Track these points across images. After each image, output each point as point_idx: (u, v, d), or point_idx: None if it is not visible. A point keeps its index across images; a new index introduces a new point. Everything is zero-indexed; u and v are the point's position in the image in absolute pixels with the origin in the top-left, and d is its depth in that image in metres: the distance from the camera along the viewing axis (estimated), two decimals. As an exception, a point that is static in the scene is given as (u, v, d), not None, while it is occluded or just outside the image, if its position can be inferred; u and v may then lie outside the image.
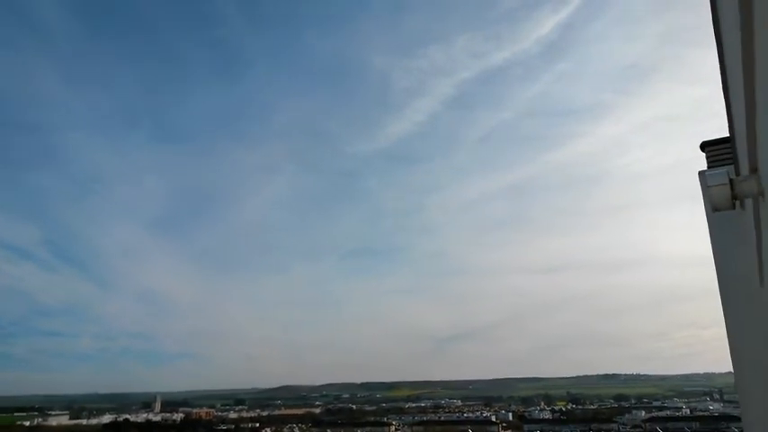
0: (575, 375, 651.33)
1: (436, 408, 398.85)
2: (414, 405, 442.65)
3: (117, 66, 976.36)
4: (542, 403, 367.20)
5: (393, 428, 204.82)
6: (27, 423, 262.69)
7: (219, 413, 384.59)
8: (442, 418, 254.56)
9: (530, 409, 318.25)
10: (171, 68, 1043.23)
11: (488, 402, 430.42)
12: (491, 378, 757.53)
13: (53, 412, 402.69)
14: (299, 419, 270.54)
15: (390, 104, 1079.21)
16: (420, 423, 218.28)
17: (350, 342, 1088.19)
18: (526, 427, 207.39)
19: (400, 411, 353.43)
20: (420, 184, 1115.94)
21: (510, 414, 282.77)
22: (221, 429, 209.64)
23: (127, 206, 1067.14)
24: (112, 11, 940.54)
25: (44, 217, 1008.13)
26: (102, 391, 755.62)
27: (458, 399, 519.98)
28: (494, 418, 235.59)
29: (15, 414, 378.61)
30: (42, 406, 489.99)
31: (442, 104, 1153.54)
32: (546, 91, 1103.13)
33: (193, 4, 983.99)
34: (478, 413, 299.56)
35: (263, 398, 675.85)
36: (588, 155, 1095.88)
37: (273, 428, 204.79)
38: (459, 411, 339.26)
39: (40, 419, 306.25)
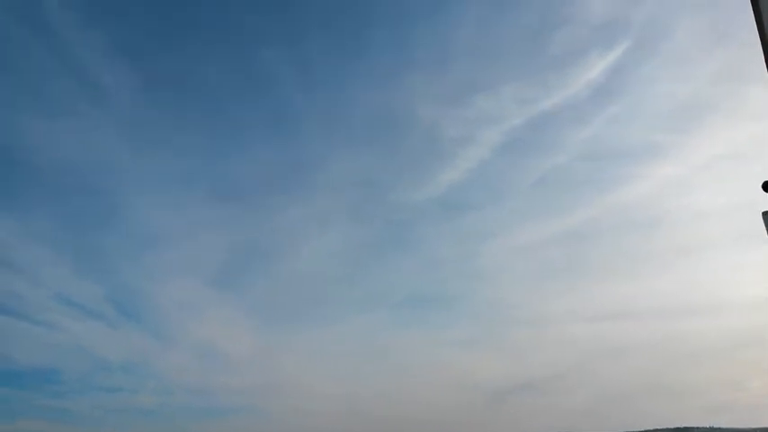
0: (644, 429, 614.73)
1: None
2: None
3: (176, 129, 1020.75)
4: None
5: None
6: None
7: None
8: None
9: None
10: (228, 129, 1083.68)
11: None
12: (555, 431, 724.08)
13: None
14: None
15: (440, 153, 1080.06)
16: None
17: (407, 394, 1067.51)
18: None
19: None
20: (474, 230, 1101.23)
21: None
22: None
23: (185, 262, 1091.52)
24: (171, 77, 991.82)
25: (107, 275, 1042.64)
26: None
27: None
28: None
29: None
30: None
31: (491, 151, 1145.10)
32: (598, 134, 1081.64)
33: (247, 67, 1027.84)
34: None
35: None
36: (647, 197, 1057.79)
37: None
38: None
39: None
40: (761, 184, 10.04)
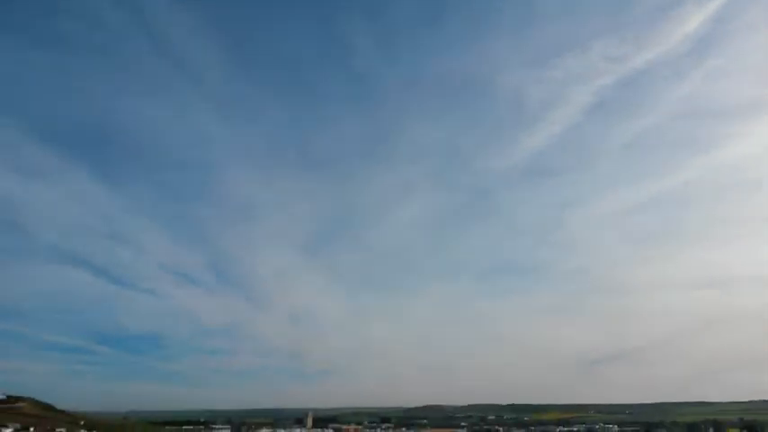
0: (747, 400, 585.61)
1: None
2: (565, 429, 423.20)
3: (264, 102, 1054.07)
4: (711, 430, 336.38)
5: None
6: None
7: (367, 430, 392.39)
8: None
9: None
10: (312, 100, 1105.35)
11: (648, 428, 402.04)
12: (650, 402, 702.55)
13: (216, 426, 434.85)
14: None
15: (524, 118, 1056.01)
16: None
17: (494, 362, 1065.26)
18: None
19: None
20: (560, 197, 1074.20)
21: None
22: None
23: (277, 231, 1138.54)
24: (257, 51, 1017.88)
25: (205, 244, 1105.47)
26: (259, 406, 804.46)
27: (613, 424, 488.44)
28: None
29: (183, 427, 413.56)
30: (207, 420, 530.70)
31: (580, 113, 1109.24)
32: (696, 91, 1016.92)
33: (330, 38, 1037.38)
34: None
35: (408, 416, 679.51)
36: (748, 157, 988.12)
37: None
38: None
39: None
40: None
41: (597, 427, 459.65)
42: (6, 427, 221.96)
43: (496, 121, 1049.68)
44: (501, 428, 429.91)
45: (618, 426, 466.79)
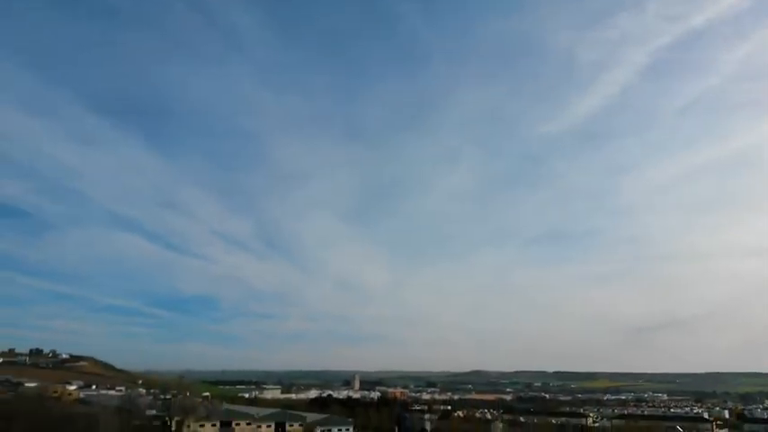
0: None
1: (638, 401, 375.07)
2: (613, 397, 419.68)
3: (309, 71, 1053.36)
4: (767, 401, 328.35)
5: (590, 420, 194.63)
6: (246, 395, 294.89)
7: (413, 394, 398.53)
8: (646, 413, 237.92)
9: (750, 407, 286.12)
10: (357, 69, 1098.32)
11: (699, 398, 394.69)
12: (702, 372, 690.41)
13: (267, 386, 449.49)
14: (490, 405, 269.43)
15: (577, 80, 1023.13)
16: (621, 416, 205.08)
17: (541, 330, 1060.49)
18: (746, 426, 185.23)
19: (598, 403, 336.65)
20: (613, 163, 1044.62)
21: (726, 411, 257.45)
22: (416, 409, 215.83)
23: (323, 199, 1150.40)
24: (300, 19, 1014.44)
25: (254, 211, 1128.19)
26: (308, 368, 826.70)
27: (663, 393, 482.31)
28: (706, 415, 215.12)
29: (237, 387, 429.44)
30: (259, 380, 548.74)
31: (635, 75, 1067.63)
32: (758, 50, 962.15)
33: (374, 5, 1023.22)
34: (688, 409, 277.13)
35: (453, 381, 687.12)
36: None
37: (465, 412, 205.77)
38: (666, 406, 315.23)
39: (256, 392, 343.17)
40: None
41: (647, 395, 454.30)
42: (70, 384, 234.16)
43: (546, 85, 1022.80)
44: (547, 395, 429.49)
45: (668, 395, 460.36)
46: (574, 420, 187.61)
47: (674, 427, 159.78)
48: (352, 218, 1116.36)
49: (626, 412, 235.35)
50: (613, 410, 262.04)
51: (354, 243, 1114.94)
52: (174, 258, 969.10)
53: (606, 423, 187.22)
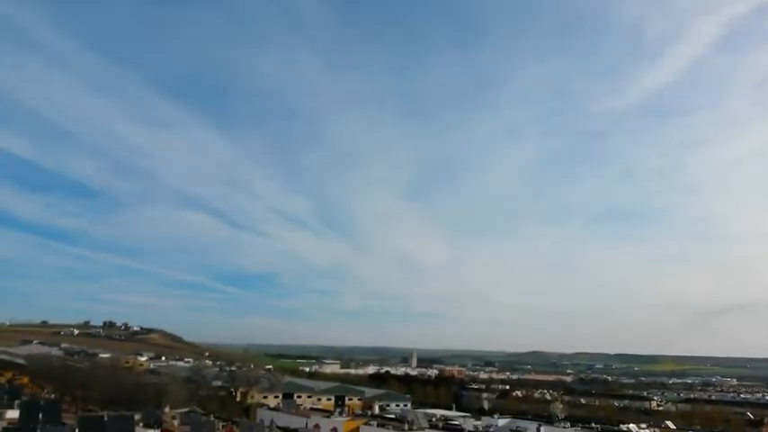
0: None
1: (705, 385, 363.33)
2: (678, 381, 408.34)
3: (366, 49, 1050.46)
4: None
5: (654, 404, 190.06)
6: (307, 369, 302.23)
7: (470, 372, 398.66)
8: (713, 397, 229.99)
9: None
10: (415, 45, 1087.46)
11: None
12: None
13: (327, 361, 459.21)
14: (549, 386, 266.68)
15: (643, 53, 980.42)
16: (687, 401, 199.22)
17: (602, 311, 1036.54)
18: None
19: (662, 387, 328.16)
20: (681, 139, 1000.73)
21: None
22: (473, 388, 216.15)
23: (380, 177, 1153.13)
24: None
25: (312, 190, 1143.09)
26: (366, 344, 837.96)
27: (732, 378, 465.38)
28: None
29: (298, 360, 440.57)
30: (319, 355, 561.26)
31: (706, 47, 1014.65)
32: None
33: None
34: (759, 395, 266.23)
35: (511, 361, 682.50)
36: None
37: (524, 392, 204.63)
38: (735, 391, 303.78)
39: (316, 367, 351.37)
40: None
41: (714, 380, 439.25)
42: (141, 355, 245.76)
43: (611, 59, 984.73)
44: (609, 377, 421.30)
45: (737, 380, 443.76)
46: (637, 403, 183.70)
47: (744, 414, 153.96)
48: (410, 195, 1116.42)
49: (692, 396, 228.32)
50: (678, 394, 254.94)
51: (412, 220, 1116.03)
52: (238, 235, 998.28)
53: (671, 407, 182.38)
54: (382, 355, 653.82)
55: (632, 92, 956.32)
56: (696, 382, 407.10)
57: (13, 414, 33.94)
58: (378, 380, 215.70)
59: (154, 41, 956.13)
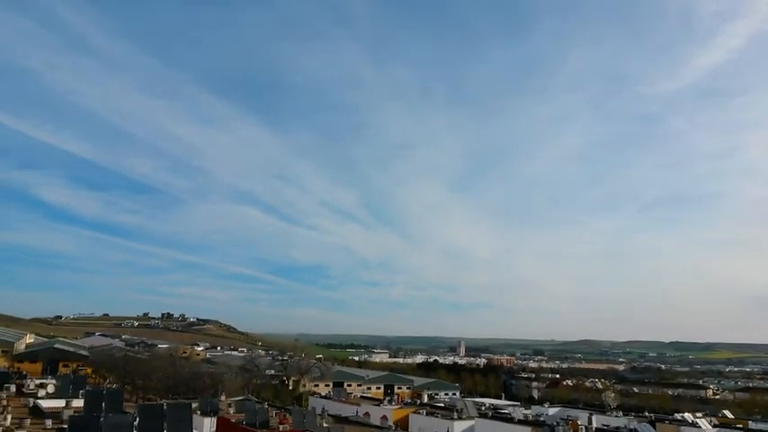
0: None
1: (766, 374, 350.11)
2: (736, 369, 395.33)
3: (412, 40, 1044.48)
4: None
5: (711, 392, 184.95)
6: (356, 358, 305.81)
7: (519, 361, 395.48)
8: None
9: None
10: (461, 35, 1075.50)
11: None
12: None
13: (376, 350, 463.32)
14: (601, 374, 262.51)
15: (697, 33, 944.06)
16: (745, 389, 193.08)
17: (656, 299, 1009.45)
18: None
19: (719, 375, 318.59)
20: (740, 120, 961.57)
21: None
22: (522, 376, 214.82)
23: (427, 168, 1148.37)
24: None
25: (360, 182, 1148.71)
26: (414, 333, 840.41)
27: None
28: None
29: (347, 350, 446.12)
30: (368, 344, 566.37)
31: (762, 24, 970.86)
32: None
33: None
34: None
35: (562, 350, 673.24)
36: None
37: (574, 381, 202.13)
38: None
39: (366, 356, 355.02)
40: None
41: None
42: (198, 345, 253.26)
43: (664, 40, 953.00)
44: (663, 366, 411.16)
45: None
46: (692, 392, 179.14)
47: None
48: (458, 185, 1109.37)
49: (751, 385, 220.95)
50: (736, 382, 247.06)
51: (460, 210, 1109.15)
52: (288, 228, 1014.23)
53: (729, 395, 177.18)
54: (430, 345, 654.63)
55: (686, 73, 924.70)
56: (755, 370, 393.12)
57: (78, 403, 35.82)
58: (426, 369, 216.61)
59: (204, 42, 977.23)
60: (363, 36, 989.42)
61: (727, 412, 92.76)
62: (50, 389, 43.83)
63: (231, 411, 49.81)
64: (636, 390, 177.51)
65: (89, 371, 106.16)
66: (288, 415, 45.49)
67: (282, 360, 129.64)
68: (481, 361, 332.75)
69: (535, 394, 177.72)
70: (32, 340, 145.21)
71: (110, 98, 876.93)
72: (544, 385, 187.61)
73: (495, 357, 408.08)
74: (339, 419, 51.87)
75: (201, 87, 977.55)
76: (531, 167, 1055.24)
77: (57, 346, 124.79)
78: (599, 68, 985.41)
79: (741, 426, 69.58)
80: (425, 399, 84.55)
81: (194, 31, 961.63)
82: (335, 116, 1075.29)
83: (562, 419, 54.63)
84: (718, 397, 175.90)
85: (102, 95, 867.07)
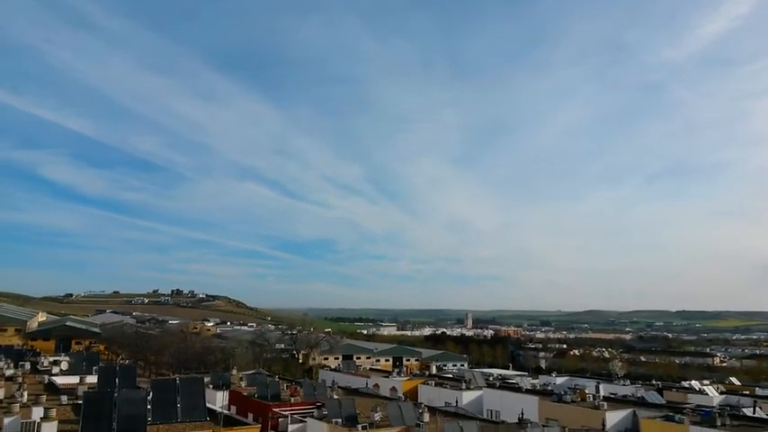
0: None
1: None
2: (743, 337, 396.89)
3: (412, 12, 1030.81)
4: None
5: (717, 360, 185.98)
6: (365, 332, 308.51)
7: (526, 332, 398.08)
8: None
9: None
10: (460, 5, 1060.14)
11: None
12: None
13: (384, 323, 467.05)
14: (607, 344, 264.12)
15: (701, 1, 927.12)
16: (752, 356, 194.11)
17: (662, 268, 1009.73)
18: None
19: (726, 343, 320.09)
20: (746, 88, 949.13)
21: None
22: (530, 347, 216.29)
23: (431, 142, 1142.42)
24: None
25: (363, 156, 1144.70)
26: (421, 306, 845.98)
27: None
28: None
29: (356, 323, 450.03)
30: (375, 318, 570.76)
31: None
32: None
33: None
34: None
35: (568, 321, 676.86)
36: None
37: (581, 350, 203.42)
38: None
39: (374, 329, 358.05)
40: None
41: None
42: (208, 320, 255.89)
43: (668, 8, 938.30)
44: (670, 335, 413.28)
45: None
46: (699, 360, 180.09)
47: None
48: (461, 158, 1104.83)
49: (758, 352, 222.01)
50: (743, 350, 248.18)
51: (464, 184, 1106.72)
52: (293, 204, 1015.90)
53: (736, 363, 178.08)
54: (438, 317, 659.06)
55: (691, 41, 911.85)
56: (762, 337, 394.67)
57: (92, 379, 36.36)
58: (434, 341, 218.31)
59: (203, 16, 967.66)
60: (362, 8, 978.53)
61: (734, 379, 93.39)
62: (64, 366, 44.52)
63: (243, 385, 50.50)
64: (643, 358, 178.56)
65: (101, 348, 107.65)
66: (299, 387, 46.12)
67: (292, 334, 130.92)
68: (488, 332, 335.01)
69: (543, 364, 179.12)
70: (44, 318, 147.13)
71: (111, 75, 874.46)
72: (551, 355, 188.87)
73: (503, 329, 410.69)
74: (349, 391, 52.53)
75: (202, 63, 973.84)
76: (534, 140, 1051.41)
77: (69, 323, 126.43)
78: (602, 38, 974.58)
79: (748, 392, 70.07)
80: (434, 370, 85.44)
81: (195, 6, 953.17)
82: (336, 89, 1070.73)
83: (570, 389, 55.13)
84: (725, 364, 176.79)
85: (103, 73, 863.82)
